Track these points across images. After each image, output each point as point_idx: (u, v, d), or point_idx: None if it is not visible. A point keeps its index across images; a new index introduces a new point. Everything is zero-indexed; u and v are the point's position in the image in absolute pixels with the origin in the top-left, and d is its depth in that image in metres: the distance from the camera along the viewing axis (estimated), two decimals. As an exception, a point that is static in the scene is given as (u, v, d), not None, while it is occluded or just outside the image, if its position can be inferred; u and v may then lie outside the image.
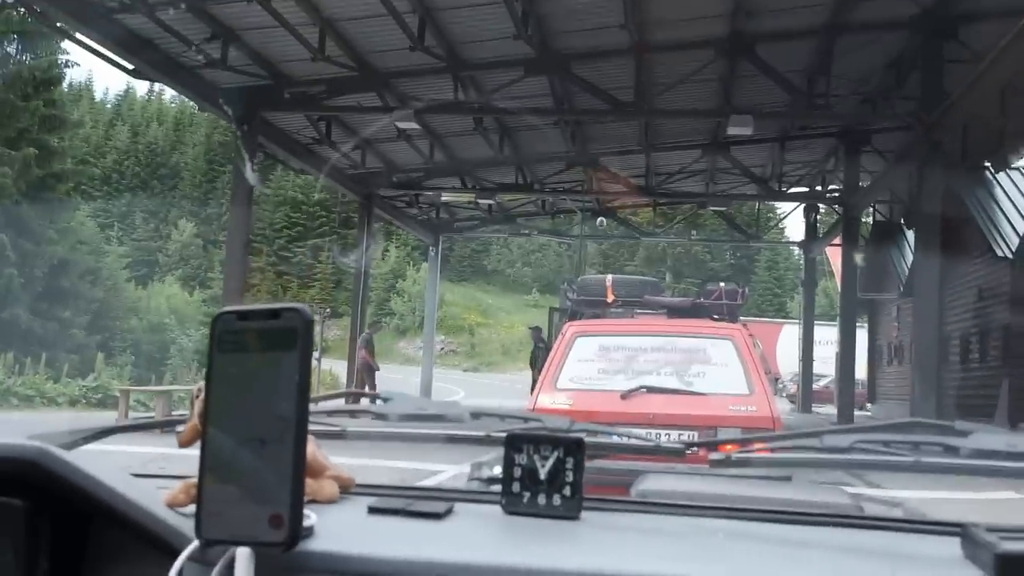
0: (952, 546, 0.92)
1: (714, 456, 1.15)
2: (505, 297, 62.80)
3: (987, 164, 16.88)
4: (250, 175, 13.43)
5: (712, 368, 6.09)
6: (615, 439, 1.30)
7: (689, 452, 1.15)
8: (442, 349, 49.54)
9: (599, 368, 6.15)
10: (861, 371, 24.49)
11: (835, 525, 1.04)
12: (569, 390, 5.93)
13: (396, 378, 33.03)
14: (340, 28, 12.53)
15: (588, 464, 1.03)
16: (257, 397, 0.81)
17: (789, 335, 36.71)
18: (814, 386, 25.66)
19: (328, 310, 32.84)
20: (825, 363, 28.21)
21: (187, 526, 0.84)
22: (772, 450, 1.17)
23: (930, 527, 1.03)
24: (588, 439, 1.08)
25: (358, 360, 18.01)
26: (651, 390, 5.85)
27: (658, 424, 5.47)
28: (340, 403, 1.44)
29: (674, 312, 7.48)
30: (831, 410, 21.53)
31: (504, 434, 1.05)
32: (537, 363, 17.98)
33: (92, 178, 51.48)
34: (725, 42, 13.41)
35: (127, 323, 32.93)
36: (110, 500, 0.87)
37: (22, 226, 27.34)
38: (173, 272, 52.72)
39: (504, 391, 28.31)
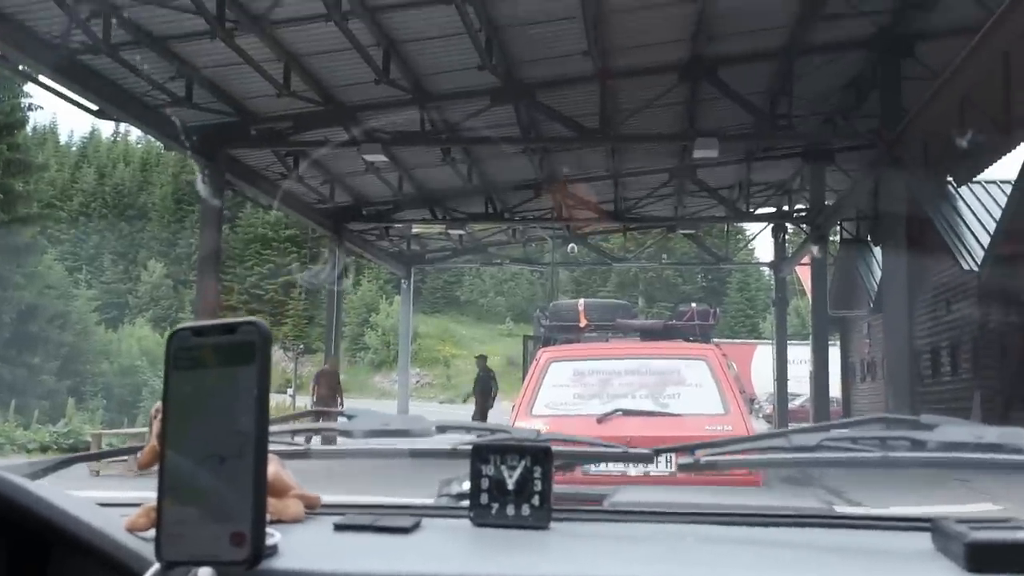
0: (923, 540, 0.92)
1: (683, 460, 1.14)
2: (479, 327, 62.73)
3: (949, 178, 17.16)
4: (201, 187, 13.35)
5: (687, 389, 6.12)
6: (583, 448, 1.29)
7: (658, 459, 1.15)
8: (417, 382, 49.33)
9: (574, 393, 6.15)
10: (835, 389, 24.65)
11: (806, 526, 1.04)
12: (545, 416, 5.91)
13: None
14: (305, 63, 12.55)
15: (562, 489, 1.02)
16: (215, 414, 0.80)
17: (763, 355, 36.93)
18: (790, 405, 25.75)
19: (301, 346, 32.65)
20: (800, 382, 28.35)
21: (148, 550, 0.82)
22: (741, 452, 1.16)
23: (901, 523, 1.03)
24: (556, 448, 1.07)
25: (317, 395, 17.27)
26: (627, 413, 5.85)
27: (635, 447, 5.47)
28: (305, 422, 1.42)
29: (647, 335, 7.51)
30: (807, 428, 21.56)
31: (471, 447, 1.04)
32: (478, 393, 17.92)
33: (59, 221, 51.11)
34: (687, 66, 13.58)
35: (98, 367, 32.49)
36: (69, 526, 0.85)
37: (-12, 272, 27.00)
38: (144, 314, 52.17)
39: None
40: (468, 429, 1.24)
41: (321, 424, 1.38)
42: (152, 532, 0.82)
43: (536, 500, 1.00)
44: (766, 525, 1.04)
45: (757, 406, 36.54)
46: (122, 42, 11.07)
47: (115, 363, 33.50)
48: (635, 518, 1.08)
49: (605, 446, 1.25)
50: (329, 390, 16.97)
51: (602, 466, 5.71)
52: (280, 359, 46.28)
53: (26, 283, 29.21)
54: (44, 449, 17.52)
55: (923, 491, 9.13)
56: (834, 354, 25.44)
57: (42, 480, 1.02)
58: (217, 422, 0.80)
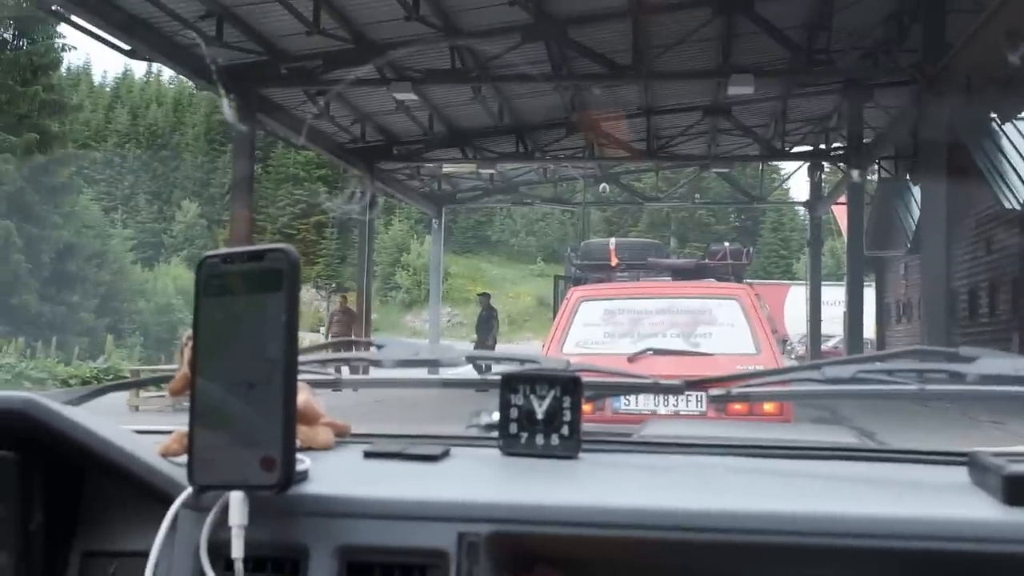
0: (959, 474, 0.91)
1: (714, 392, 1.13)
2: (510, 267, 62.81)
3: (993, 115, 16.74)
4: (228, 112, 13.41)
5: (718, 328, 6.08)
6: (613, 379, 1.29)
7: (688, 393, 1.14)
8: (449, 321, 49.63)
9: (605, 332, 6.14)
10: (870, 330, 24.45)
11: (837, 459, 1.03)
12: (575, 354, 5.92)
13: (405, 351, 33.09)
14: (335, 1, 12.43)
15: (591, 427, 1.02)
16: (244, 341, 0.81)
17: (796, 296, 36.67)
18: (823, 347, 25.64)
19: (333, 285, 32.89)
20: (834, 323, 28.18)
21: (181, 474, 0.84)
22: (773, 384, 1.15)
23: (936, 456, 1.02)
24: (586, 378, 1.07)
25: (332, 334, 16.90)
26: (657, 352, 5.84)
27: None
28: (335, 352, 1.43)
29: (679, 274, 7.47)
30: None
31: (500, 377, 1.04)
32: (480, 330, 17.86)
33: (94, 162, 51.53)
34: (722, 0, 13.27)
35: (135, 305, 33.05)
36: (103, 451, 0.87)
37: (26, 212, 27.39)
38: (178, 253, 52.76)
39: (513, 360, 28.34)
40: (498, 359, 1.23)
41: (352, 354, 1.38)
42: (184, 458, 0.83)
43: (565, 430, 1.00)
44: (796, 458, 1.03)
45: (790, 347, 36.40)
46: (151, -20, 11.02)
47: (151, 301, 34.05)
48: (664, 449, 1.08)
49: (635, 377, 1.24)
50: (343, 328, 16.63)
51: (632, 404, 5.73)
52: (313, 298, 46.71)
53: (64, 222, 29.62)
54: (85, 384, 17.93)
55: (957, 433, 9.10)
56: (869, 295, 25.23)
57: (79, 407, 1.04)
58: (246, 349, 0.80)
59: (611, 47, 13.87)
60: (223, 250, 0.84)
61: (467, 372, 1.24)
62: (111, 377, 18.51)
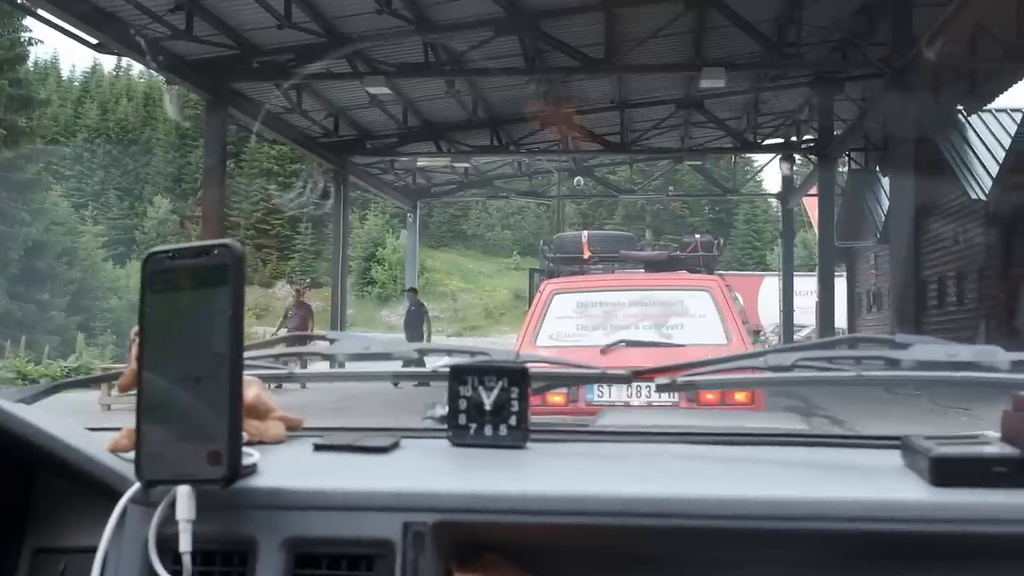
0: (893, 457, 0.94)
1: (660, 381, 1.15)
2: (486, 261, 62.69)
3: (959, 107, 16.94)
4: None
5: (690, 320, 6.14)
6: (562, 369, 1.31)
7: (636, 380, 1.16)
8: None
9: (578, 324, 6.18)
10: (842, 320, 24.68)
11: (780, 444, 1.07)
12: (548, 347, 5.95)
13: (380, 346, 32.97)
14: (306, -6, 12.37)
15: (548, 419, 1.04)
16: (191, 335, 0.81)
17: (770, 287, 36.90)
18: (796, 336, 25.83)
19: (308, 280, 32.72)
20: (806, 313, 28.39)
21: (129, 470, 0.84)
22: (717, 373, 1.18)
23: (873, 441, 1.06)
24: (534, 369, 1.09)
25: (291, 324, 16.40)
26: (630, 344, 5.88)
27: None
28: (287, 347, 1.44)
29: (652, 266, 7.52)
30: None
31: (448, 369, 1.05)
32: (408, 327, 17.42)
33: (63, 157, 50.87)
34: (694, -6, 13.34)
35: (107, 302, 32.72)
36: (51, 447, 0.87)
37: (-6, 208, 27.03)
38: (151, 249, 52.19)
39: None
40: (449, 352, 1.25)
41: (303, 348, 1.39)
42: (134, 453, 0.83)
43: (513, 420, 1.01)
44: (740, 444, 1.06)
45: (764, 338, 36.61)
46: (120, -27, 10.91)
47: (123, 299, 33.70)
48: (612, 438, 1.10)
49: (583, 367, 1.27)
50: (300, 323, 16.25)
51: (606, 395, 5.78)
52: (288, 294, 46.41)
53: (32, 219, 29.24)
54: (57, 383, 17.73)
55: (922, 419, 9.24)
56: (841, 285, 25.45)
57: (33, 405, 1.04)
58: (193, 343, 0.81)
59: (584, 41, 13.90)
60: (168, 246, 0.84)
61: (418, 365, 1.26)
62: (81, 376, 18.34)
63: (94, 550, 0.83)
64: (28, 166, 29.09)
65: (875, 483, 0.87)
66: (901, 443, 0.94)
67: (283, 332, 15.99)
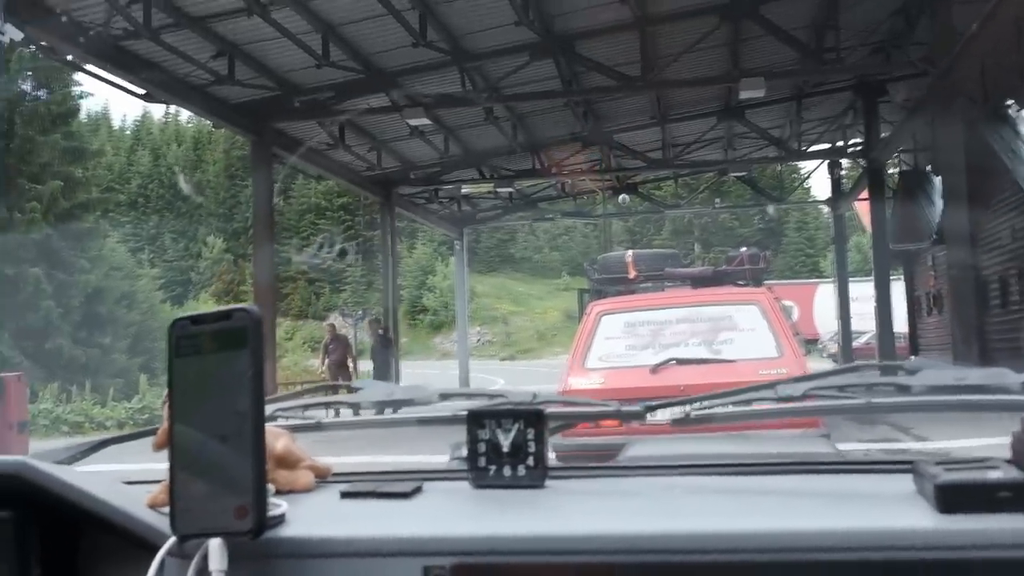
0: (906, 482, 0.95)
1: (675, 416, 1.17)
2: (536, 283, 62.81)
3: (1009, 101, 16.59)
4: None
5: (740, 334, 6.09)
6: (577, 409, 1.33)
7: (649, 415, 1.18)
8: (478, 340, 49.74)
9: (627, 344, 6.17)
10: (901, 325, 24.21)
11: (793, 473, 1.07)
12: (599, 369, 5.95)
13: (433, 373, 33.16)
14: (342, 32, 12.58)
15: (572, 440, 1.06)
16: (215, 395, 0.86)
17: (825, 295, 36.40)
18: (855, 343, 25.41)
19: (360, 312, 33.08)
20: (864, 319, 27.91)
21: (165, 524, 0.89)
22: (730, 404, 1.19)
23: (886, 466, 1.06)
24: (550, 410, 1.11)
25: (329, 362, 16.60)
26: (680, 362, 5.86)
27: (688, 394, 5.49)
28: (315, 397, 1.48)
29: (698, 282, 7.48)
30: (873, 366, 21.31)
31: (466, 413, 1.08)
32: (376, 358, 17.10)
33: (118, 204, 52.21)
34: (728, 6, 13.28)
35: (167, 343, 33.33)
36: (93, 506, 0.92)
37: (55, 258, 27.78)
38: (206, 289, 53.31)
39: (542, 376, 28.38)
40: (469, 396, 1.28)
41: (330, 398, 1.44)
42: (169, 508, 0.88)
43: (531, 461, 1.04)
44: (754, 474, 1.07)
45: (821, 345, 36.09)
46: (162, 25, 11.21)
47: (183, 339, 34.26)
48: (628, 472, 1.12)
49: (599, 405, 1.29)
50: (340, 357, 16.43)
51: (658, 416, 5.74)
52: (341, 325, 46.91)
53: (91, 266, 29.99)
54: (121, 425, 18.15)
55: (996, 424, 9.00)
56: (899, 289, 24.97)
57: (73, 465, 1.08)
58: (217, 403, 0.85)
59: (620, 59, 13.92)
60: (192, 312, 0.89)
61: (439, 409, 1.29)
62: (146, 417, 18.72)
63: None
64: (85, 215, 29.91)
65: (883, 511, 0.88)
66: (912, 468, 0.94)
67: (327, 364, 16.32)
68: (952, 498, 0.85)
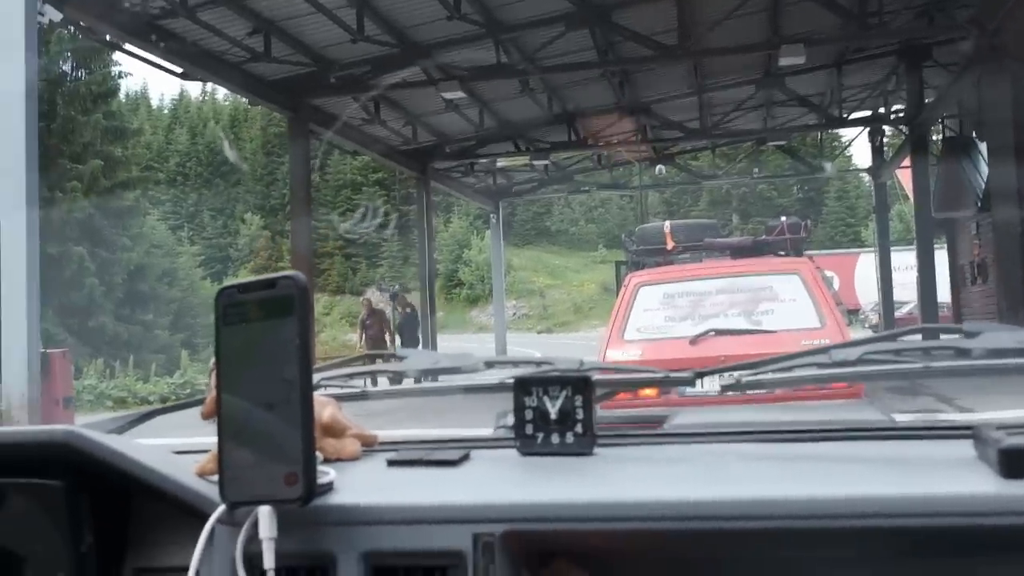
0: (966, 448, 0.92)
1: (724, 382, 1.15)
2: (572, 256, 62.70)
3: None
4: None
5: (781, 305, 6.02)
6: (625, 375, 1.31)
7: (697, 384, 1.15)
8: (514, 314, 49.82)
9: (665, 316, 6.12)
10: (944, 294, 23.84)
11: (846, 439, 1.05)
12: (636, 341, 5.91)
13: (470, 347, 33.29)
14: (377, 6, 12.55)
15: (611, 412, 1.05)
16: (262, 363, 0.86)
17: (866, 264, 35.94)
18: (897, 313, 25.10)
19: (397, 286, 33.33)
20: (906, 289, 27.52)
21: (215, 492, 0.90)
22: (782, 371, 1.16)
23: (945, 432, 1.03)
24: (597, 376, 1.10)
25: (366, 337, 16.63)
26: (720, 332, 5.80)
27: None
28: (360, 366, 1.48)
29: (737, 252, 7.40)
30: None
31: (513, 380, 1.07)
32: (403, 334, 16.77)
33: (158, 183, 52.81)
34: (767, -29, 13.05)
35: (207, 319, 33.77)
36: (142, 474, 0.93)
37: (97, 236, 28.24)
38: (245, 265, 53.90)
39: (579, 349, 28.36)
40: (515, 363, 1.27)
41: (376, 367, 1.43)
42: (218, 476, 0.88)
43: (579, 428, 1.03)
44: (806, 440, 1.05)
45: (863, 316, 35.69)
46: (199, 3, 11.26)
47: (223, 315, 34.77)
48: (677, 440, 1.10)
49: (646, 371, 1.27)
50: (377, 332, 16.48)
51: (700, 387, 5.69)
52: (377, 301, 47.21)
53: (133, 244, 30.47)
54: (164, 400, 18.45)
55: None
56: (942, 258, 24.55)
57: (123, 435, 1.09)
58: (265, 371, 0.86)
59: (656, 28, 13.74)
60: (239, 280, 0.89)
61: (486, 377, 1.28)
62: (188, 391, 19.03)
63: (187, 569, 0.88)
64: (126, 194, 30.34)
65: (943, 476, 0.86)
66: (973, 433, 0.91)
67: (365, 339, 16.44)
68: (1017, 463, 0.82)
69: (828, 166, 28.33)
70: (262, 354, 0.86)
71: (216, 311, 0.88)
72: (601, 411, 1.09)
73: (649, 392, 5.35)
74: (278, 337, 0.85)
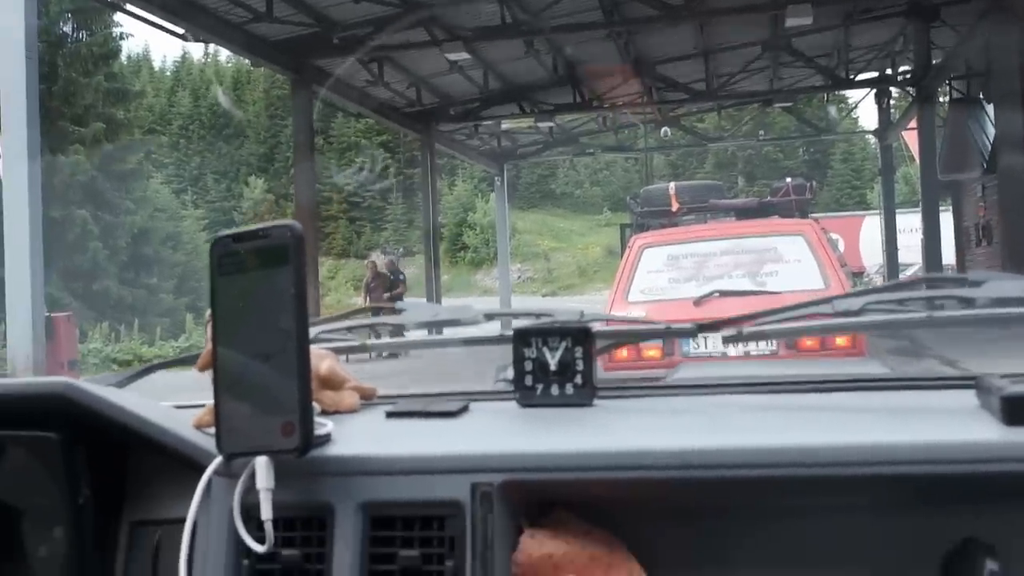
0: (968, 397, 0.92)
1: (726, 333, 1.14)
2: (577, 219, 62.48)
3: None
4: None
5: (785, 266, 6.01)
6: (627, 327, 1.30)
7: (700, 337, 1.15)
8: (519, 277, 49.80)
9: (669, 277, 6.12)
10: (950, 256, 23.77)
11: (851, 390, 1.04)
12: (641, 302, 5.91)
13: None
14: (379, -35, 12.41)
15: (613, 374, 1.05)
16: (259, 314, 0.85)
17: (872, 227, 35.77)
18: (902, 275, 25.04)
19: (401, 249, 33.31)
20: (912, 251, 27.46)
21: (212, 444, 0.90)
22: (785, 321, 1.15)
23: (948, 382, 1.02)
24: (598, 328, 1.09)
25: (373, 296, 16.49)
26: (724, 294, 5.80)
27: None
28: (360, 319, 1.47)
29: (742, 214, 7.37)
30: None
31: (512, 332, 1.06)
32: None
33: (161, 146, 52.67)
34: (775, -71, 12.87)
35: (208, 262, 33.97)
36: (139, 427, 0.93)
37: (100, 200, 28.20)
38: (217, 234, 53.56)
39: (584, 312, 28.36)
40: (516, 315, 1.27)
41: (375, 319, 1.42)
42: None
43: (579, 379, 1.02)
44: (810, 391, 1.05)
45: (867, 279, 35.59)
46: (198, -39, 11.14)
47: (228, 279, 34.84)
48: (679, 392, 1.10)
49: (649, 324, 1.26)
50: (382, 295, 16.34)
51: (702, 347, 5.70)
52: (382, 264, 47.15)
53: (136, 207, 30.42)
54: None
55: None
56: (947, 220, 24.43)
57: (127, 388, 1.09)
58: (261, 321, 0.85)
59: (661, -13, 13.59)
60: (233, 230, 0.88)
61: (486, 329, 1.27)
62: (194, 354, 19.13)
63: (184, 521, 0.89)
64: (129, 157, 30.22)
65: (945, 425, 0.86)
66: (975, 383, 0.91)
67: (369, 303, 16.35)
68: (1019, 410, 0.81)
69: (835, 127, 28.14)
70: (258, 304, 0.85)
71: (211, 261, 0.87)
72: (603, 373, 1.09)
73: (652, 353, 5.37)
74: (274, 287, 0.84)
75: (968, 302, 1.08)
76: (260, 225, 0.86)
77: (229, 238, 0.88)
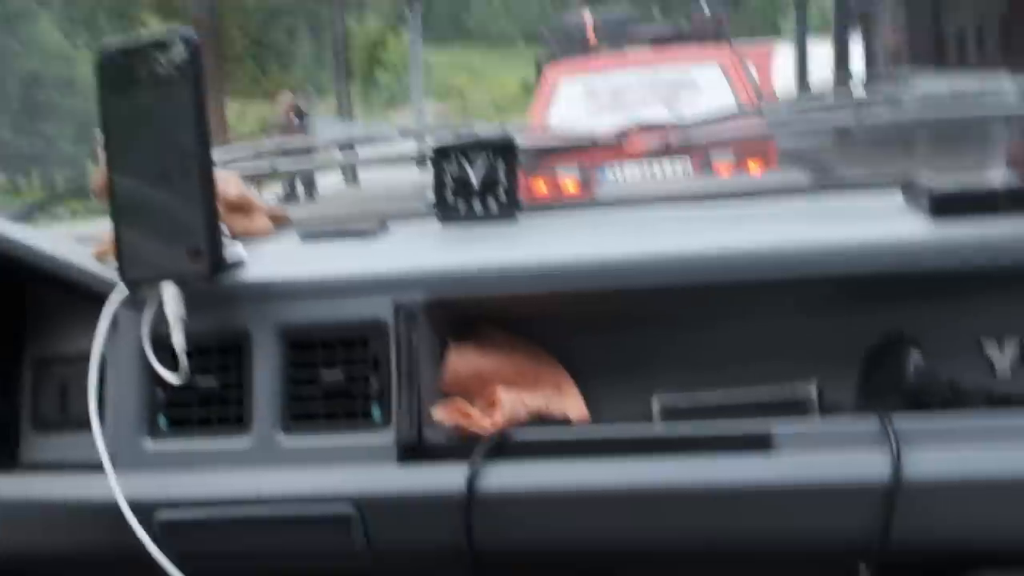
0: (895, 198, 0.93)
1: (653, 144, 1.14)
2: (492, 53, 60.91)
3: None
4: None
5: (702, 96, 6.00)
6: (551, 140, 1.29)
7: (626, 141, 1.14)
8: (435, 116, 48.85)
9: (586, 109, 6.06)
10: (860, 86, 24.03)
11: (775, 196, 1.05)
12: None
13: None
14: None
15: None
16: (155, 133, 0.80)
17: (785, 55, 35.74)
18: (812, 104, 25.36)
19: (311, 89, 32.28)
20: (824, 82, 27.65)
21: (115, 274, 0.84)
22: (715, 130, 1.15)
23: (875, 185, 1.03)
24: (523, 142, 1.07)
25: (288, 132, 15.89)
26: (645, 128, 5.78)
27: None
28: (270, 144, 1.42)
29: (659, 42, 7.28)
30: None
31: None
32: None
33: (44, -18, 48.95)
34: None
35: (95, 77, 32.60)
36: (36, 260, 0.88)
37: (-16, 43, 26.36)
38: (102, 44, 50.97)
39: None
40: (432, 130, 1.23)
41: (286, 141, 1.37)
42: None
43: (502, 195, 1.00)
44: (733, 200, 1.05)
45: (779, 109, 35.84)
46: None
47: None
48: (603, 207, 1.09)
49: (572, 134, 1.25)
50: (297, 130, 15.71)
51: (621, 178, 5.72)
52: (288, 104, 45.57)
53: (25, 51, 28.58)
54: (74, 214, 17.96)
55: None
56: (858, 50, 24.47)
57: (24, 224, 1.04)
58: (158, 141, 0.80)
59: None
60: (121, 40, 0.81)
61: (403, 148, 1.23)
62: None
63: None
64: (10, -4, 28.07)
65: (872, 224, 0.87)
66: (903, 184, 0.92)
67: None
68: (946, 204, 0.82)
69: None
70: (154, 123, 0.79)
71: (97, 75, 0.80)
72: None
73: (571, 189, 5.38)
74: (171, 103, 0.78)
75: (896, 102, 1.07)
76: (152, 36, 0.79)
77: (118, 50, 0.81)
